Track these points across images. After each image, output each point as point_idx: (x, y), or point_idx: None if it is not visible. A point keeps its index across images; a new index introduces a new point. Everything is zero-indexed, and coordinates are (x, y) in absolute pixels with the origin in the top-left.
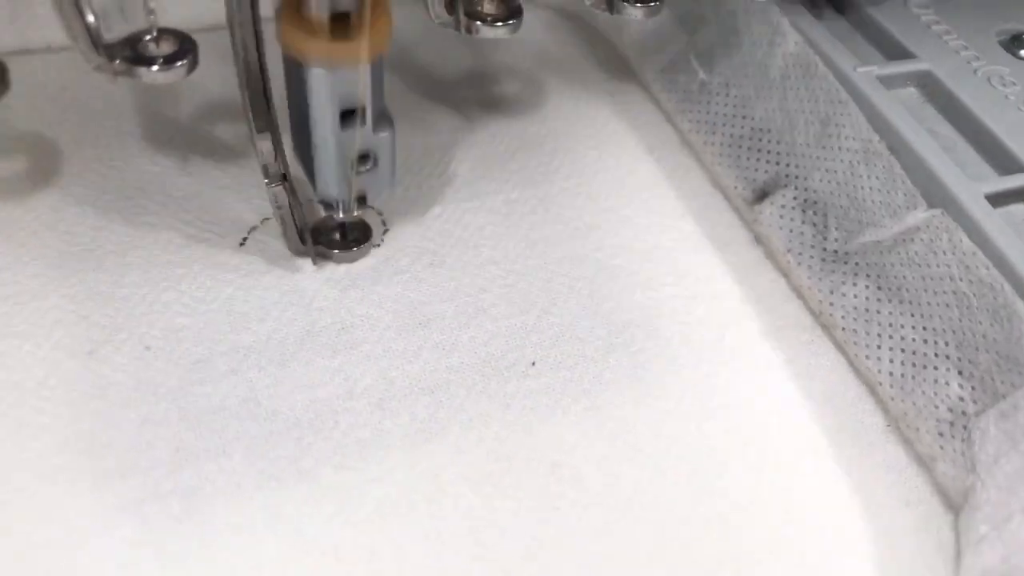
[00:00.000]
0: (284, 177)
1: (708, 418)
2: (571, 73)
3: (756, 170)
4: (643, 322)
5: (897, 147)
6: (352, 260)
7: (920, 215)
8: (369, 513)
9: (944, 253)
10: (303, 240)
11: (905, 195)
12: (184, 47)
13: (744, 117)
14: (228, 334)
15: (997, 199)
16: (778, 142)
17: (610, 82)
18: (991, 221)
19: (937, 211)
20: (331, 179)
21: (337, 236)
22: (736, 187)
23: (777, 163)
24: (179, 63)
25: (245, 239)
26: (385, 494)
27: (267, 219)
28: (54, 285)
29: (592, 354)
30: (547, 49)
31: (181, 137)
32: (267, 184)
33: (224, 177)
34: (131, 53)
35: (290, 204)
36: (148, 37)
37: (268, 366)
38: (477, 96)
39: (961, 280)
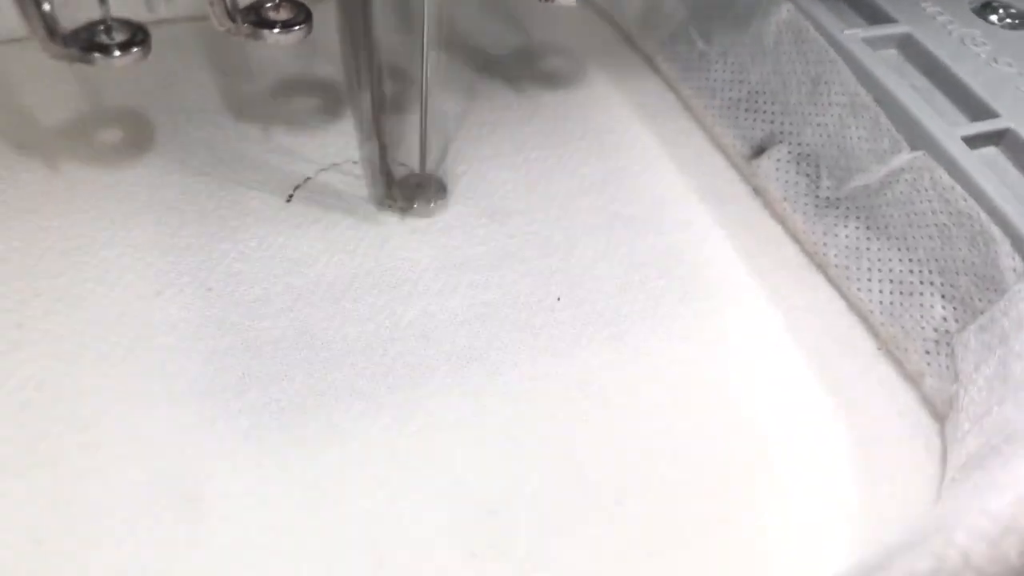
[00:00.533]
0: (378, 133)
1: (716, 343)
2: (576, 48)
3: (753, 129)
4: (656, 263)
5: (882, 99)
6: (426, 215)
7: (904, 157)
8: (420, 426)
9: (926, 190)
10: (390, 190)
11: (890, 141)
12: (136, 36)
13: (741, 82)
14: (282, 277)
15: (972, 141)
16: (773, 103)
17: (613, 55)
18: (968, 160)
19: (919, 153)
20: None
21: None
22: (735, 145)
23: (772, 121)
24: (134, 50)
25: (291, 196)
26: (433, 409)
27: (309, 179)
28: (119, 237)
29: (611, 290)
30: (552, 27)
31: (227, 107)
32: (364, 140)
33: (267, 142)
34: (86, 42)
35: (381, 157)
36: (101, 27)
37: (320, 304)
38: (491, 70)
39: (941, 213)
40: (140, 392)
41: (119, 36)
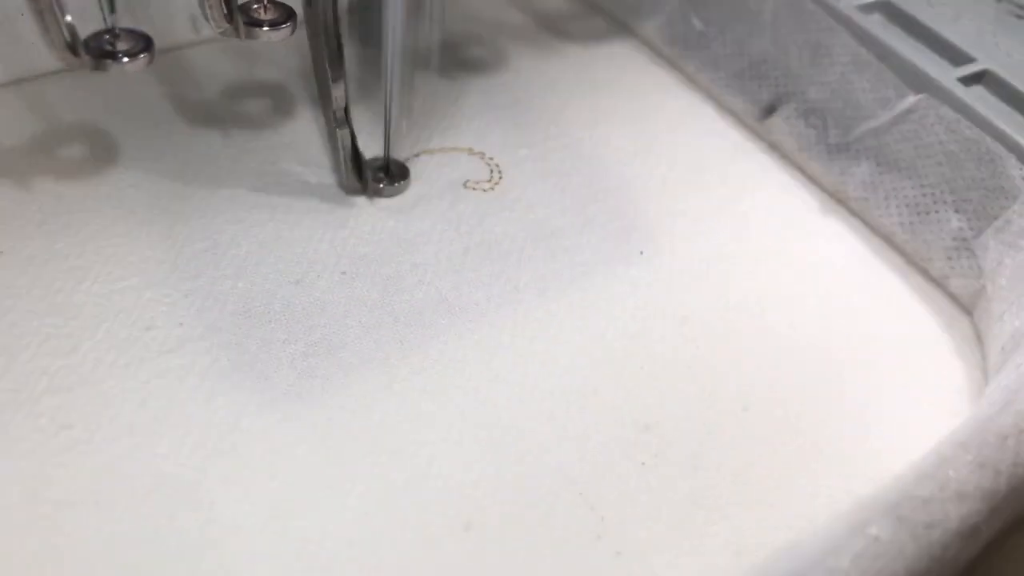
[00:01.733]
0: (348, 122)
1: (758, 266)
2: (571, 38)
3: (759, 93)
4: (693, 213)
5: (882, 55)
6: (395, 195)
7: (909, 100)
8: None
9: (932, 125)
10: (361, 177)
11: (895, 89)
12: (141, 44)
13: (741, 55)
14: (405, 255)
15: (963, 82)
16: (775, 69)
17: (610, 43)
18: (967, 94)
19: (922, 96)
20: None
21: (382, 175)
22: (745, 108)
23: (776, 85)
24: (141, 56)
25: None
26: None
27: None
28: (236, 233)
29: (644, 232)
30: (548, 18)
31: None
32: (336, 128)
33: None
34: (97, 50)
35: (352, 146)
36: (107, 36)
37: (446, 275)
38: (492, 58)
39: (949, 142)
40: (312, 367)
41: (125, 44)
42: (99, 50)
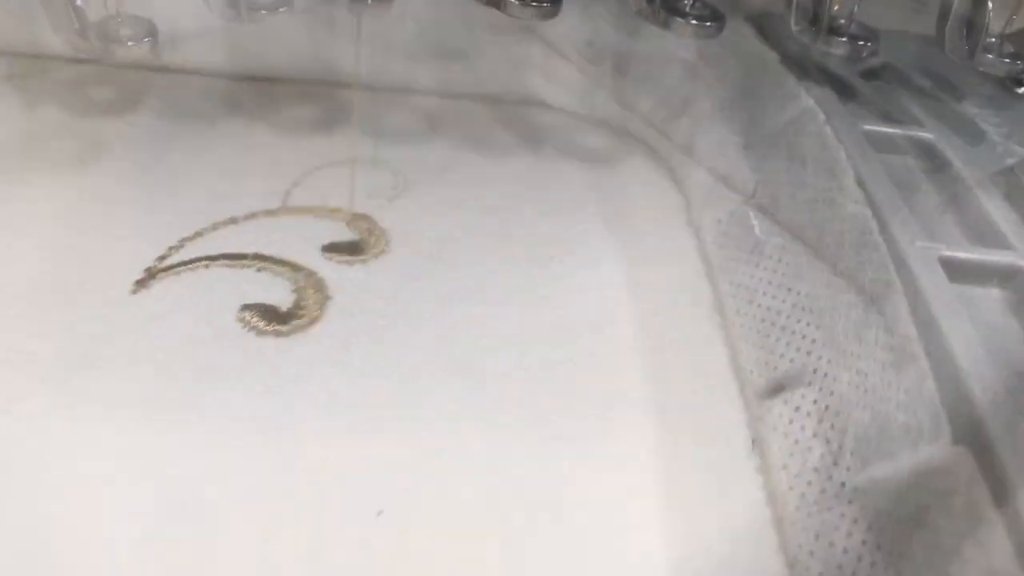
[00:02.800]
0: None
1: None
2: (627, 205)
3: (782, 356)
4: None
5: (934, 344)
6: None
7: (938, 451)
8: None
9: (960, 518)
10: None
11: (932, 420)
12: (144, 28)
13: (789, 289)
14: None
15: None
16: (817, 327)
17: (663, 224)
18: None
19: (962, 450)
20: None
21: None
22: (753, 372)
23: (808, 352)
24: (145, 40)
25: None
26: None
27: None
28: None
29: None
30: (616, 178)
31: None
32: None
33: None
34: (103, 36)
35: None
36: (114, 22)
37: None
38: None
39: (972, 564)
40: None
41: (129, 30)
42: (105, 36)
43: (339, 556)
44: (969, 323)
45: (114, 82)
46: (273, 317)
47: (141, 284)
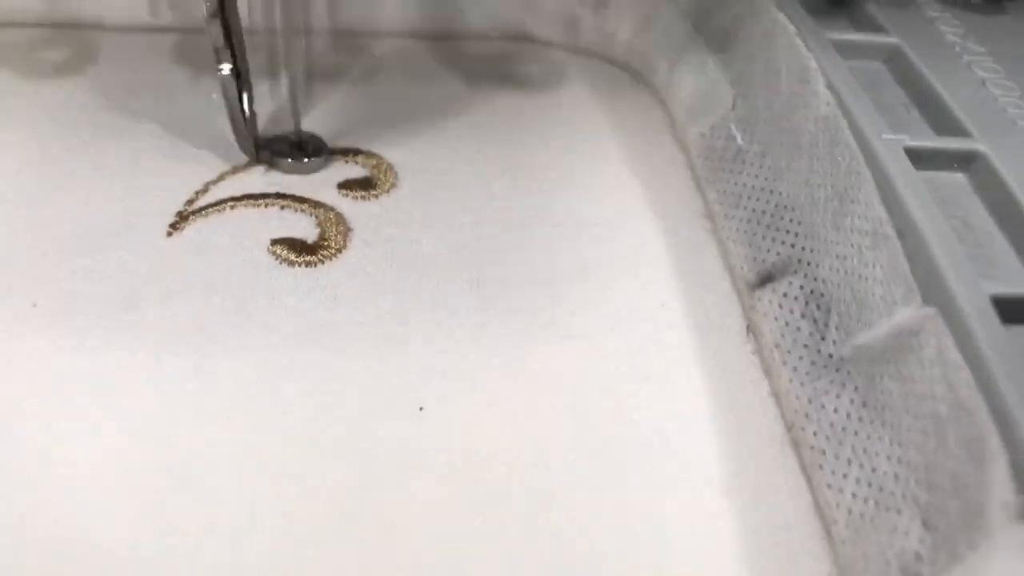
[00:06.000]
0: (236, 71)
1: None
2: (618, 128)
3: (769, 251)
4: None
5: (905, 230)
6: (303, 172)
7: (910, 313)
8: None
9: (930, 365)
10: (245, 137)
11: (905, 289)
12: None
13: (772, 192)
14: None
15: (1008, 308)
16: (799, 223)
17: (652, 143)
18: (991, 331)
19: (931, 310)
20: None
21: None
22: (743, 268)
23: (792, 245)
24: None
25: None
26: None
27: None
28: None
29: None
30: (604, 103)
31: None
32: (217, 70)
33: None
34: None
35: (240, 98)
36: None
37: None
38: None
39: (942, 401)
40: None
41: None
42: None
43: (382, 450)
44: (933, 203)
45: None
46: (302, 249)
47: (175, 227)
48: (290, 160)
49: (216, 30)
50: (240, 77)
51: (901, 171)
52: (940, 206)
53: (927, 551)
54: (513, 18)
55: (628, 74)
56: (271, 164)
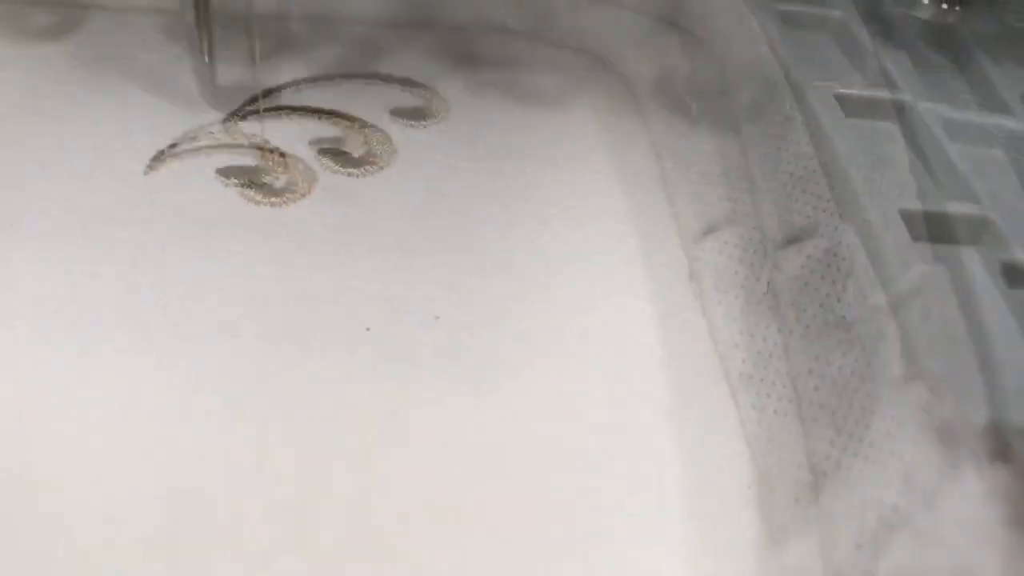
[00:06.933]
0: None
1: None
2: (588, 110)
3: (712, 204)
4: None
5: (830, 165)
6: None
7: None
8: None
9: (833, 281)
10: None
11: (826, 214)
12: None
13: (722, 155)
14: None
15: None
16: (741, 177)
17: (617, 119)
18: (899, 242)
19: (849, 228)
20: None
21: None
22: (691, 224)
23: (735, 199)
24: None
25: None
26: None
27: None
28: None
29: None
30: (576, 85)
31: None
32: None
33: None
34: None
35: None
36: None
37: None
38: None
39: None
40: None
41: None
42: None
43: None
44: (858, 143)
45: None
46: (348, 162)
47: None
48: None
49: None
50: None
51: (831, 116)
52: (864, 148)
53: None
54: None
55: (601, 60)
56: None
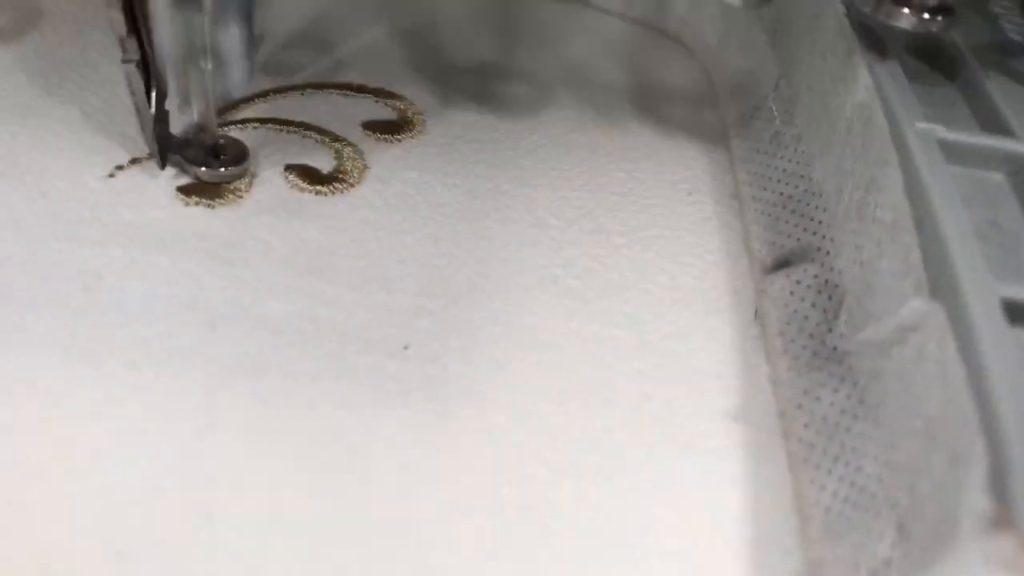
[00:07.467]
0: (144, 63)
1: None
2: (660, 98)
3: (789, 236)
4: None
5: (920, 220)
6: (218, 180)
7: (915, 306)
8: None
9: (929, 362)
10: (155, 139)
11: (915, 283)
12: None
13: (802, 176)
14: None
15: (1018, 312)
16: (824, 210)
17: (694, 117)
18: (996, 334)
19: (936, 306)
20: (165, 67)
21: (205, 152)
22: (761, 251)
23: (815, 233)
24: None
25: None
26: None
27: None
28: None
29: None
30: (651, 75)
31: None
32: (121, 61)
33: None
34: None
35: (146, 93)
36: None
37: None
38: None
39: (935, 402)
40: None
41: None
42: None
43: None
44: (960, 200)
45: None
46: (316, 179)
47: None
48: (203, 168)
49: (118, 16)
50: (148, 69)
51: (930, 163)
52: (967, 204)
53: (898, 557)
54: None
55: (680, 47)
56: (182, 169)
